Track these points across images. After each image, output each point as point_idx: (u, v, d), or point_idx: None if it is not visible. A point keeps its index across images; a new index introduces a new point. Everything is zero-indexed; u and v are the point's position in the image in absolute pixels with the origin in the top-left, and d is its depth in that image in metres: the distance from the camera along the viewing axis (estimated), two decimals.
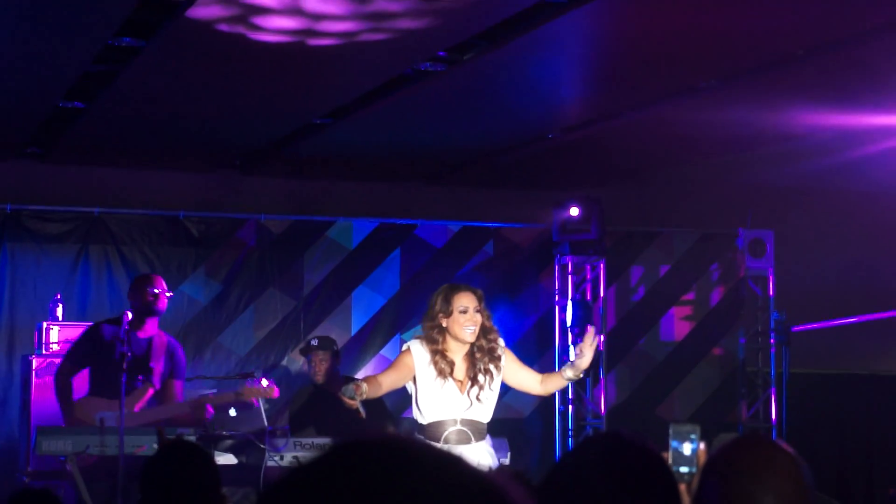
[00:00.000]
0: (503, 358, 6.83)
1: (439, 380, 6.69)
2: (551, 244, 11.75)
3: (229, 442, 8.48)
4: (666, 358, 12.28)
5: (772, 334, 11.93)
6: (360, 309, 11.51)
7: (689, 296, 12.44)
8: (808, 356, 11.84)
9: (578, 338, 11.50)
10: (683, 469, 2.81)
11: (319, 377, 9.62)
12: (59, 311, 10.02)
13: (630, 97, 9.24)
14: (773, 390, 11.99)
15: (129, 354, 8.17)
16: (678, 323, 12.39)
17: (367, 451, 1.23)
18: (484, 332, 6.72)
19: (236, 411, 8.57)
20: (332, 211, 11.60)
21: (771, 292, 12.15)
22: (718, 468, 2.72)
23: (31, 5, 6.82)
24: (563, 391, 11.63)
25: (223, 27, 7.05)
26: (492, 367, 6.73)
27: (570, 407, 11.59)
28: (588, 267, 11.80)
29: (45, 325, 9.87)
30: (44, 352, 9.72)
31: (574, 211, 11.33)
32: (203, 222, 11.17)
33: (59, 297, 10.15)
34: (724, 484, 2.68)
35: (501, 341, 6.89)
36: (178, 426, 8.25)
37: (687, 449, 2.83)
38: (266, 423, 8.50)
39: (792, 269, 12.30)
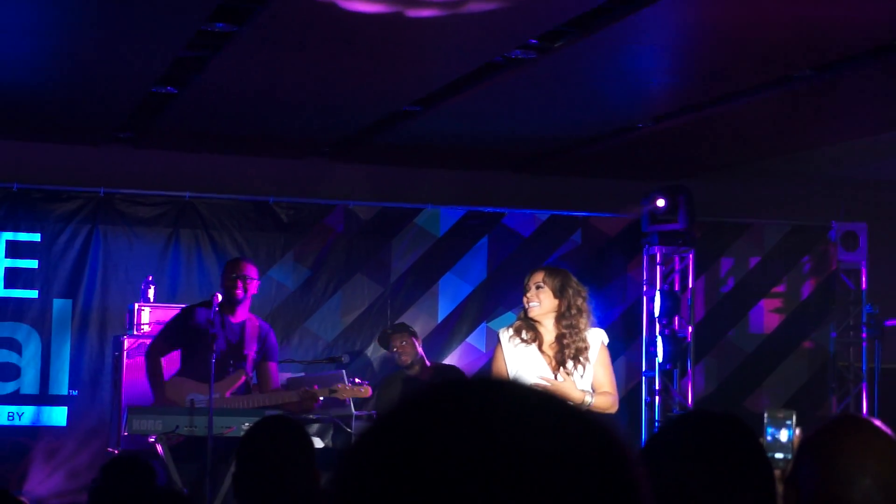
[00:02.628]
0: (593, 350, 6.70)
1: (522, 346, 6.66)
2: (639, 234, 11.69)
3: (316, 425, 8.54)
4: (755, 350, 12.17)
5: (864, 328, 11.77)
6: (446, 296, 11.52)
7: (780, 288, 12.30)
8: None
9: (666, 329, 11.43)
10: (779, 455, 2.76)
11: (406, 358, 9.65)
12: (151, 293, 10.14)
13: (722, 87, 9.14)
14: (864, 385, 11.84)
15: (221, 338, 8.26)
16: (768, 315, 12.27)
17: (470, 391, 1.22)
18: (561, 316, 6.66)
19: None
20: (420, 198, 11.61)
21: (863, 286, 11.99)
22: (816, 448, 2.65)
23: None
24: (651, 381, 11.57)
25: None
26: (581, 357, 6.64)
27: (657, 398, 11.52)
28: (677, 258, 11.72)
29: (136, 306, 9.99)
30: (135, 332, 9.84)
31: (660, 202, 11.26)
32: (292, 208, 11.24)
33: (150, 279, 10.28)
34: (821, 465, 2.60)
35: (597, 333, 6.75)
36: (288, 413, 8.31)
37: (783, 435, 2.79)
38: (353, 407, 8.54)
39: (885, 262, 12.12)
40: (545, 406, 1.22)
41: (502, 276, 11.42)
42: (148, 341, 9.06)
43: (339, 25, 7.47)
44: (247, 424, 7.70)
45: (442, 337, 11.39)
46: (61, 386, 10.61)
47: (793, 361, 12.22)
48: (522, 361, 6.66)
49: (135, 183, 10.98)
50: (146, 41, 7.92)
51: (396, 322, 10.08)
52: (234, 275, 8.43)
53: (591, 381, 6.67)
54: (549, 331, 6.65)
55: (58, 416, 10.59)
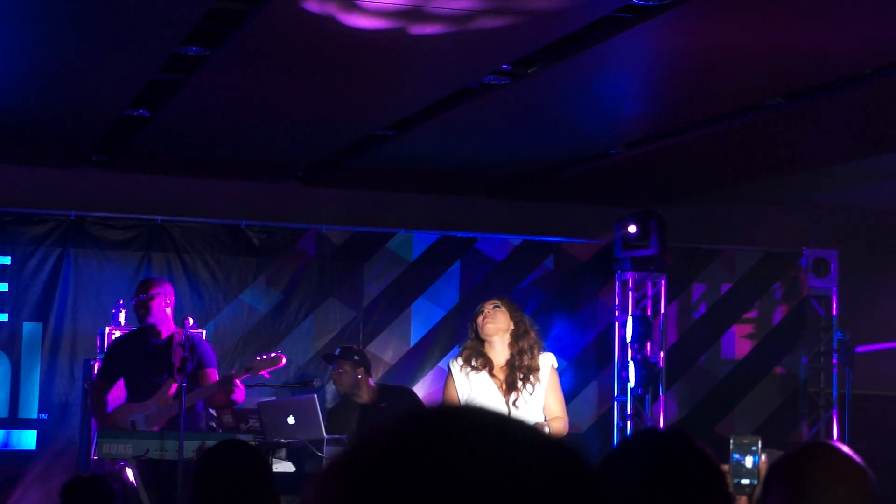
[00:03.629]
0: (544, 372, 6.86)
1: (473, 373, 6.80)
2: (612, 259, 11.72)
3: (287, 449, 8.51)
4: (727, 376, 12.20)
5: (834, 354, 11.82)
6: (419, 321, 11.52)
7: (752, 314, 12.35)
8: (871, 377, 11.72)
9: (638, 354, 11.45)
10: (745, 481, 2.77)
11: (341, 386, 9.57)
12: (122, 317, 10.11)
13: (693, 113, 9.19)
14: (835, 411, 11.88)
15: (145, 359, 8.38)
16: (740, 341, 12.30)
17: (431, 420, 1.22)
18: (517, 336, 6.81)
19: (294, 419, 8.59)
20: (392, 223, 11.62)
21: (834, 312, 12.04)
22: (785, 474, 2.65)
23: (99, 14, 6.88)
24: (623, 406, 11.58)
25: (314, 8, 7.08)
26: (531, 377, 6.79)
27: (629, 423, 11.53)
28: (649, 283, 11.75)
29: (107, 330, 9.95)
30: None
31: (632, 228, 11.31)
32: (264, 232, 11.23)
33: (121, 302, 10.24)
34: (790, 490, 2.61)
35: (548, 357, 6.91)
36: (214, 406, 8.40)
37: (748, 461, 2.80)
38: (324, 431, 8.52)
39: (856, 288, 12.18)
40: (511, 431, 1.22)
41: (475, 300, 11.30)
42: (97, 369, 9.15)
43: (312, 50, 7.48)
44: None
45: (414, 361, 11.38)
46: (31, 409, 10.55)
47: (764, 387, 12.26)
48: (473, 387, 6.83)
49: (106, 206, 10.95)
50: (120, 64, 7.91)
51: (348, 345, 9.97)
52: (141, 296, 8.52)
53: (542, 404, 6.83)
54: (499, 353, 6.83)
55: (27, 439, 10.53)
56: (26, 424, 10.54)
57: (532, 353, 6.84)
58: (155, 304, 8.53)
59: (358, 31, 7.04)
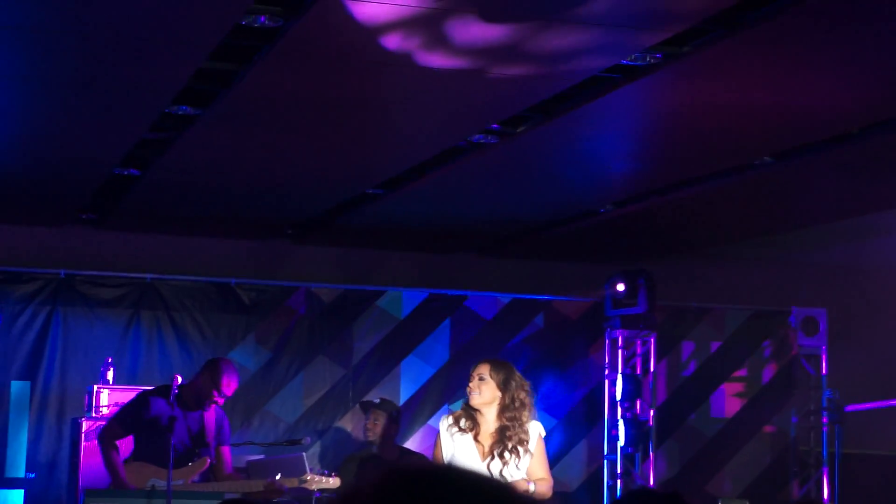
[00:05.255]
0: (532, 442, 6.85)
1: (458, 434, 6.84)
2: (601, 318, 11.73)
3: None
4: (716, 434, 12.18)
5: (824, 413, 11.82)
6: (409, 378, 11.51)
7: (741, 372, 12.35)
8: (862, 436, 11.70)
9: (628, 412, 11.44)
10: None
11: (372, 435, 9.68)
12: (110, 375, 10.08)
13: (681, 173, 9.22)
14: (825, 470, 11.85)
15: (183, 427, 8.25)
16: (729, 399, 12.30)
17: (414, 480, 1.23)
18: (503, 408, 6.82)
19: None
20: (382, 281, 11.64)
21: (824, 371, 12.05)
22: None
23: (89, 74, 6.92)
24: (612, 465, 11.55)
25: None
26: (519, 448, 6.78)
27: (619, 481, 11.49)
28: (639, 341, 11.75)
29: (95, 388, 9.93)
30: (94, 415, 9.77)
31: (620, 286, 11.34)
32: (254, 290, 11.23)
33: (110, 360, 10.22)
34: None
35: (536, 426, 6.90)
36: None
37: None
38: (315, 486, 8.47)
39: (845, 347, 12.19)
40: (496, 494, 1.23)
41: (464, 358, 11.41)
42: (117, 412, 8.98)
43: (301, 110, 7.51)
44: None
45: (404, 419, 11.34)
46: (18, 468, 10.50)
47: (754, 446, 12.24)
48: (456, 449, 6.85)
49: (96, 264, 10.95)
50: (110, 123, 7.94)
51: (388, 399, 10.14)
52: (226, 392, 8.39)
53: (527, 469, 6.82)
54: (488, 421, 6.85)
55: (14, 498, 10.47)
56: (13, 483, 10.49)
57: (519, 424, 6.81)
58: (220, 401, 8.42)
59: (347, 91, 7.08)
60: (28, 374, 10.61)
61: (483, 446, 6.83)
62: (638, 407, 11.58)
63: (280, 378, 11.20)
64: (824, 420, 11.88)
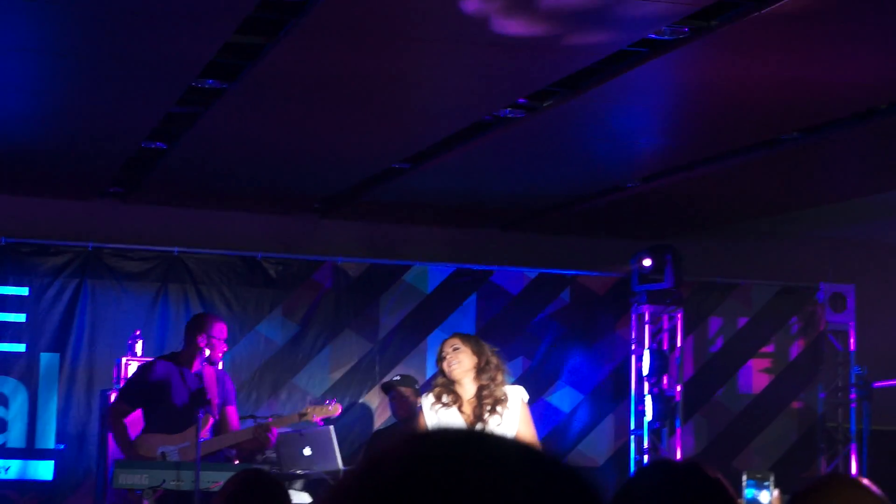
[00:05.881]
0: (512, 405, 6.90)
1: (443, 410, 6.93)
2: (628, 293, 11.71)
3: (303, 481, 8.52)
4: (744, 410, 12.16)
5: (852, 389, 11.78)
6: (435, 353, 11.47)
7: (769, 348, 12.31)
8: (890, 412, 11.66)
9: (655, 387, 11.43)
10: None
11: (401, 412, 9.73)
12: (139, 348, 10.13)
13: (710, 148, 9.19)
14: (853, 446, 11.82)
15: (183, 390, 8.33)
16: (757, 375, 12.27)
17: (445, 442, 1.23)
18: (479, 371, 6.92)
19: (311, 450, 8.60)
20: (408, 255, 11.64)
21: (851, 347, 12.00)
22: (806, 502, 2.65)
23: (116, 48, 6.93)
24: (639, 440, 11.55)
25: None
26: (498, 407, 6.83)
27: (646, 456, 11.49)
28: (665, 317, 11.73)
29: (123, 360, 9.97)
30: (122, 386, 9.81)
31: (647, 261, 11.31)
32: (281, 264, 11.26)
33: (138, 333, 10.27)
34: None
35: (517, 389, 6.96)
36: (246, 452, 8.34)
37: (762, 497, 2.80)
38: (340, 463, 8.52)
39: (873, 323, 12.14)
40: (520, 453, 1.23)
41: (490, 333, 11.40)
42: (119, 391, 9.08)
43: (329, 83, 7.51)
44: None
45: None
46: (48, 440, 10.58)
47: (781, 422, 12.21)
48: (442, 424, 6.87)
49: (124, 237, 11.00)
50: (137, 97, 7.96)
51: (406, 374, 10.18)
52: (215, 337, 8.48)
53: (515, 435, 6.86)
54: (467, 391, 7.00)
55: (44, 470, 10.55)
56: (43, 455, 10.57)
57: (495, 382, 6.91)
58: (220, 346, 8.51)
59: (374, 65, 7.08)
60: (57, 346, 10.67)
61: (467, 415, 6.92)
62: (665, 382, 11.57)
63: (307, 352, 11.23)
64: (852, 396, 11.84)
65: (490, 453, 1.21)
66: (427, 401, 7.03)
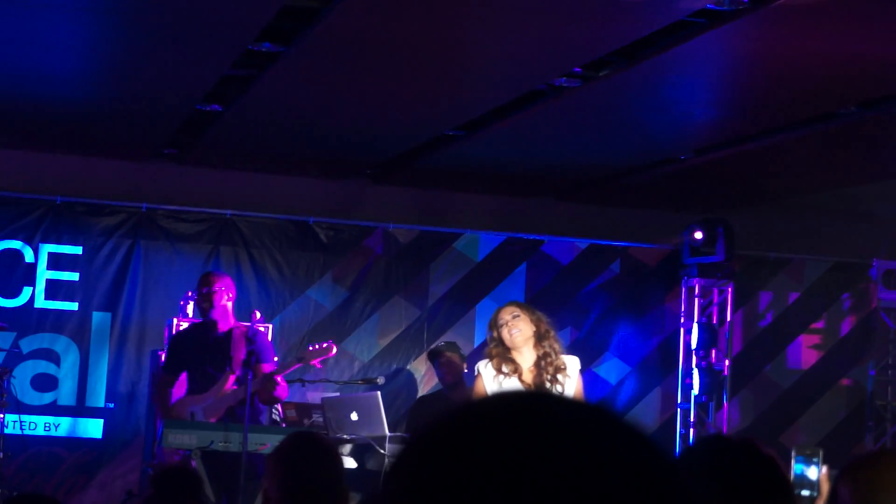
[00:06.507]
0: (571, 373, 6.93)
1: (505, 379, 6.95)
2: (678, 265, 11.66)
3: (350, 446, 8.56)
4: (792, 386, 12.10)
5: None
6: (483, 321, 11.42)
7: (819, 324, 12.24)
8: None
9: (703, 361, 11.39)
10: (805, 493, 2.75)
11: (450, 377, 9.78)
12: (190, 309, 10.20)
13: (764, 121, 9.13)
14: None
15: (203, 351, 8.48)
16: (806, 351, 12.20)
17: (510, 404, 1.22)
18: (539, 337, 6.97)
19: (358, 415, 8.64)
20: (459, 223, 11.64)
21: None
22: (854, 478, 2.65)
23: (173, 9, 6.96)
24: (686, 414, 11.52)
25: None
26: (559, 376, 6.87)
27: (692, 430, 11.46)
28: (716, 290, 11.68)
29: (174, 321, 10.04)
30: None
31: (698, 234, 11.25)
32: (332, 229, 11.29)
33: (190, 294, 10.33)
34: (859, 495, 2.61)
35: (573, 360, 6.99)
36: (260, 403, 8.46)
37: (811, 473, 2.78)
38: (387, 428, 8.56)
39: None
40: (587, 414, 1.22)
41: (540, 303, 11.35)
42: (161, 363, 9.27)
43: (384, 49, 7.51)
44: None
45: (476, 362, 11.38)
46: (98, 398, 10.68)
47: (830, 398, 12.14)
48: (504, 385, 6.96)
49: (177, 199, 11.06)
50: (193, 59, 7.99)
51: (448, 341, 10.22)
52: (204, 290, 8.60)
53: None
54: (526, 359, 6.99)
55: (94, 428, 10.66)
56: (93, 413, 10.67)
57: (555, 352, 6.92)
58: (216, 297, 8.62)
59: (429, 32, 7.07)
60: (109, 305, 10.76)
61: (528, 383, 6.94)
62: (713, 356, 11.52)
63: (356, 317, 11.27)
64: None
65: (558, 415, 1.20)
66: (487, 370, 7.04)
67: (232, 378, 8.43)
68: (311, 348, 8.67)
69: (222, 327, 8.62)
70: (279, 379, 8.31)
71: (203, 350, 8.59)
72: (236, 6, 6.76)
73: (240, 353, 8.45)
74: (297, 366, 8.58)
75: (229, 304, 8.69)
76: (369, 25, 7.00)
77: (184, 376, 8.76)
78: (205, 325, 8.72)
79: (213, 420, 8.28)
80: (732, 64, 7.96)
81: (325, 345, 8.58)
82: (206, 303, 8.64)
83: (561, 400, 1.23)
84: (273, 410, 9.20)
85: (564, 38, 7.14)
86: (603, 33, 7.05)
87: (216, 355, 8.50)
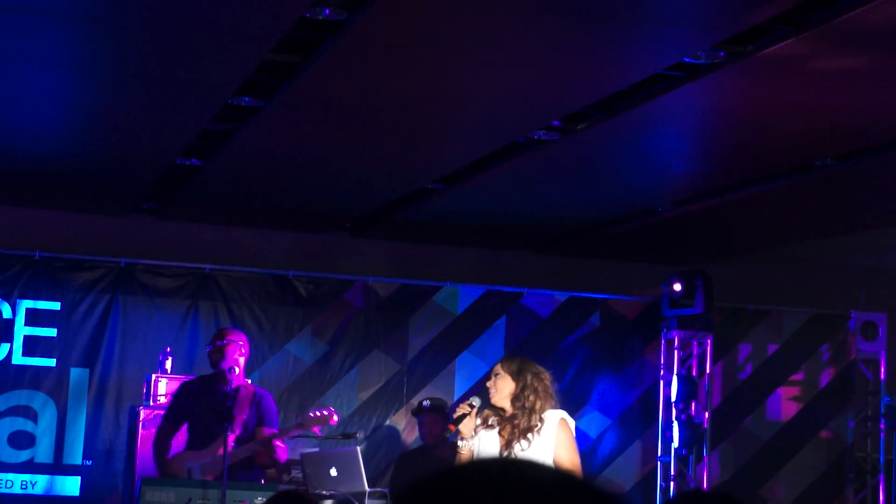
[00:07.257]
0: (546, 430, 6.86)
1: (483, 431, 6.96)
2: (658, 318, 11.68)
3: (330, 502, 8.51)
4: (772, 438, 12.10)
5: (882, 419, 11.71)
6: (463, 375, 11.51)
7: (798, 376, 12.25)
8: None
9: (683, 414, 11.39)
10: None
11: (430, 439, 9.75)
12: (168, 364, 10.16)
13: (742, 173, 9.17)
14: (881, 477, 11.74)
15: (212, 406, 8.43)
16: (786, 403, 12.21)
17: (489, 471, 1.24)
18: (514, 398, 6.90)
19: (337, 471, 8.60)
20: (439, 276, 11.65)
21: (882, 376, 11.94)
22: None
23: (153, 64, 6.97)
24: (666, 467, 11.50)
25: None
26: (529, 434, 6.82)
27: (672, 483, 11.44)
28: (695, 342, 11.70)
29: (153, 377, 10.01)
30: (151, 403, 9.85)
31: (677, 286, 11.29)
32: (311, 282, 11.28)
33: (168, 350, 10.30)
34: None
35: (555, 413, 6.91)
36: (257, 467, 8.43)
37: None
38: (366, 484, 8.52)
39: None
40: (558, 481, 1.23)
41: (520, 355, 11.40)
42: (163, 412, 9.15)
43: (362, 104, 7.54)
44: (260, 499, 7.71)
45: None
46: (76, 455, 10.61)
47: (810, 451, 12.14)
48: (481, 443, 6.94)
49: (156, 254, 11.04)
50: (173, 114, 8.00)
51: (436, 398, 10.20)
52: (218, 342, 8.56)
53: (553, 457, 6.86)
54: (508, 414, 6.90)
55: (71, 485, 10.58)
56: (71, 470, 10.60)
57: (529, 412, 6.86)
58: (230, 349, 8.60)
59: (409, 86, 7.10)
60: (87, 361, 10.71)
61: (503, 437, 6.93)
62: (693, 408, 11.53)
63: (335, 371, 11.24)
64: (882, 426, 11.77)
65: (514, 484, 1.23)
66: (479, 418, 7.07)
67: (232, 437, 8.38)
68: (312, 415, 8.61)
69: (231, 383, 8.57)
70: (279, 443, 8.29)
71: (208, 404, 8.55)
72: (216, 61, 6.78)
73: (243, 413, 8.44)
74: (297, 431, 8.56)
75: (241, 360, 8.66)
76: (349, 80, 7.03)
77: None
78: (213, 378, 8.68)
79: (209, 478, 8.23)
80: (710, 116, 8.00)
81: (325, 412, 8.55)
82: (218, 354, 8.60)
83: (535, 469, 1.25)
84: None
85: (543, 91, 7.17)
86: (581, 87, 7.09)
87: (220, 412, 8.45)
